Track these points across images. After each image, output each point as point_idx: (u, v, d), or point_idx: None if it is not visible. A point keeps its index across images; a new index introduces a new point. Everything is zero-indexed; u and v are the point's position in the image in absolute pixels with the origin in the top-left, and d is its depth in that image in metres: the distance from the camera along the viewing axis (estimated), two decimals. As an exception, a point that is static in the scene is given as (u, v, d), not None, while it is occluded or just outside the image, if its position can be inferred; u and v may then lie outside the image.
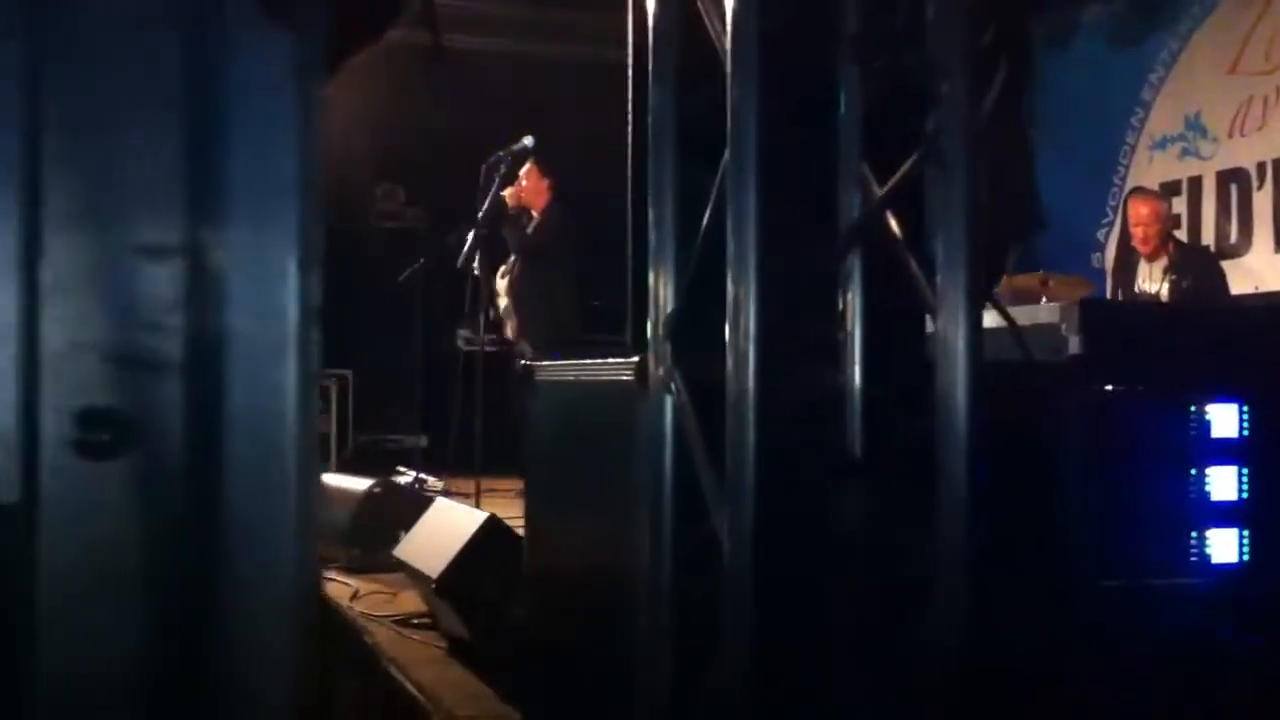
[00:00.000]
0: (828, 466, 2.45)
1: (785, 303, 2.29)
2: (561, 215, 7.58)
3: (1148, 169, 8.18)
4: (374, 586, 4.91)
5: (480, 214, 7.00)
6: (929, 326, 2.45)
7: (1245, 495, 3.00)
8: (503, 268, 7.56)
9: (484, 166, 7.03)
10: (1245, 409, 3.01)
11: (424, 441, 7.81)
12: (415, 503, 5.41)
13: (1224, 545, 2.99)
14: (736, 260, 2.28)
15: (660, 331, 2.61)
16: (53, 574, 1.05)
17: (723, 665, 2.31)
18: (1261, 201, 7.38)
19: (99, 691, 1.06)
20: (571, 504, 3.18)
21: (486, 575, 3.90)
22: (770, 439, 2.24)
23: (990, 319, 2.49)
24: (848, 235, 2.52)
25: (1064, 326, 3.06)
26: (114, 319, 1.05)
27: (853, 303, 2.57)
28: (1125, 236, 7.38)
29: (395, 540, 4.68)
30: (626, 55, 3.03)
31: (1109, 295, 7.47)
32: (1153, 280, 6.64)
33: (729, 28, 2.32)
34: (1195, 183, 7.85)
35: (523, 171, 7.39)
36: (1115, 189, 8.40)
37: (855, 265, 2.54)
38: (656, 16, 2.64)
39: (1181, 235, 7.42)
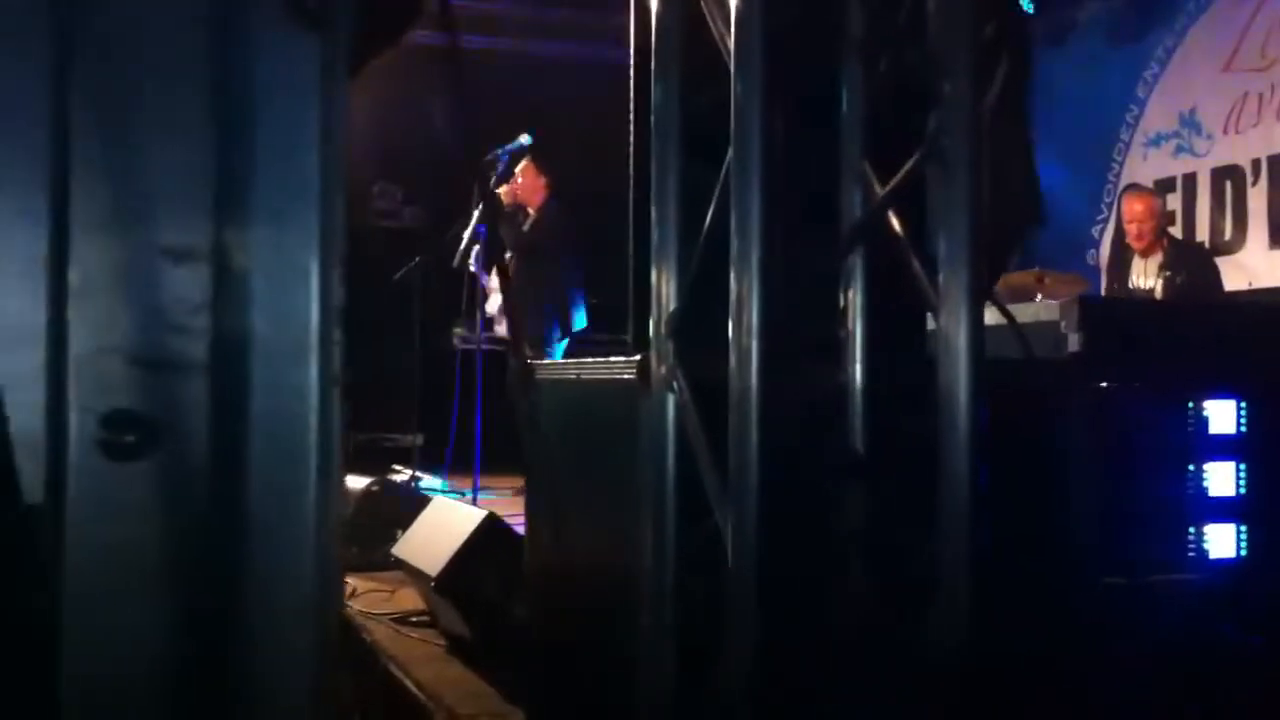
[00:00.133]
0: (830, 465, 2.46)
1: (788, 301, 2.30)
2: (558, 213, 7.58)
3: (1142, 166, 8.19)
4: (372, 584, 4.91)
5: (477, 212, 7.00)
6: (930, 325, 2.46)
7: (1243, 491, 3.02)
8: (497, 265, 7.55)
9: (480, 164, 7.03)
10: (1243, 405, 3.03)
11: (420, 440, 7.81)
12: (412, 501, 5.42)
13: (1222, 540, 3.01)
14: (739, 258, 2.28)
15: (663, 330, 2.61)
16: (78, 572, 1.05)
17: (725, 664, 2.31)
18: (1256, 198, 7.39)
19: (124, 688, 1.06)
20: (573, 503, 3.18)
21: (486, 573, 3.91)
22: (773, 437, 2.25)
23: (990, 317, 2.50)
24: (850, 234, 2.52)
25: (1063, 324, 3.07)
26: (140, 322, 1.06)
27: (854, 301, 2.57)
28: (1120, 233, 7.39)
29: (393, 538, 4.69)
30: (627, 54, 3.03)
31: (1103, 292, 7.49)
32: (1147, 277, 6.65)
33: (733, 26, 2.32)
34: (1190, 179, 7.87)
35: (519, 169, 7.39)
36: (1110, 186, 8.42)
37: (857, 264, 2.55)
38: (659, 15, 2.64)
39: (1176, 232, 7.43)
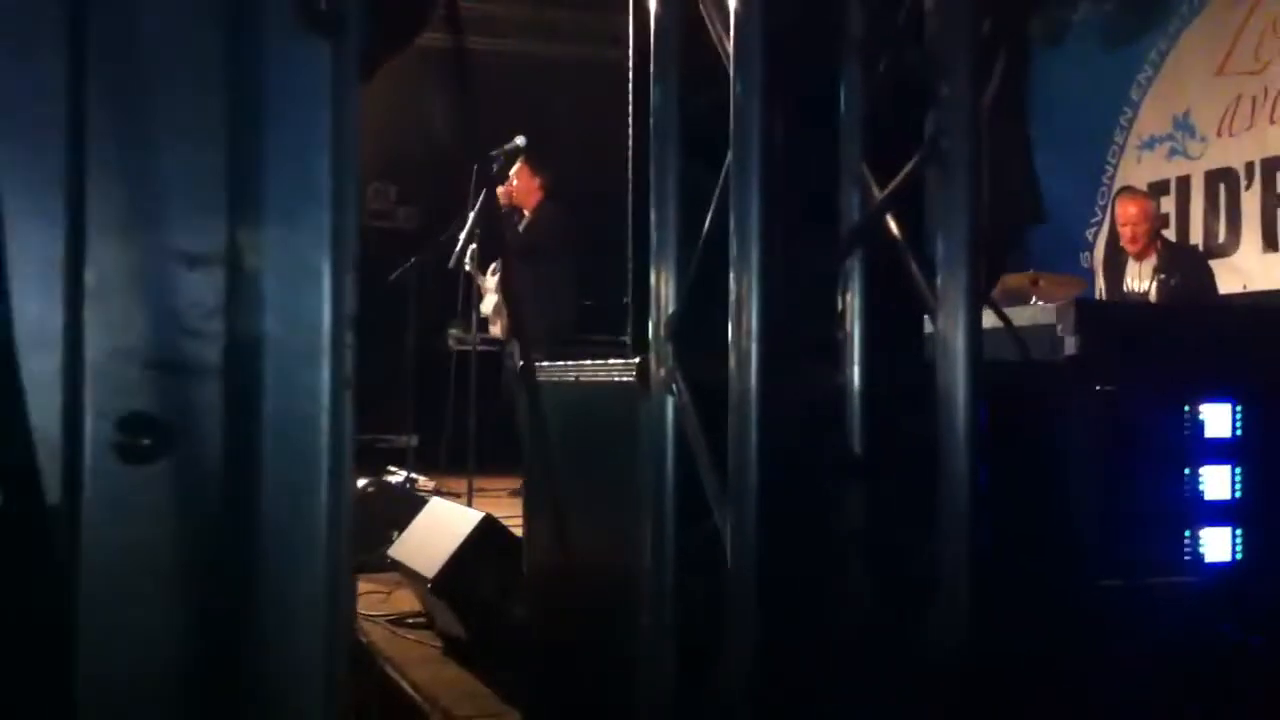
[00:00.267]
0: (829, 466, 2.47)
1: (788, 302, 2.31)
2: (553, 214, 7.59)
3: (1136, 168, 8.21)
4: (368, 586, 4.91)
5: (471, 213, 7.00)
6: (928, 326, 2.47)
7: (1239, 494, 3.03)
8: (492, 265, 7.56)
9: (475, 166, 7.03)
10: (1239, 409, 3.03)
11: (415, 441, 7.81)
12: (408, 502, 5.41)
13: (1218, 544, 3.02)
14: (739, 260, 2.28)
15: (662, 332, 2.62)
16: (94, 574, 1.06)
17: (725, 664, 2.32)
18: (1250, 201, 7.41)
19: (139, 687, 1.07)
20: (573, 504, 3.18)
21: (483, 575, 3.91)
22: (773, 438, 2.25)
23: (986, 319, 2.51)
24: (849, 237, 2.53)
25: (1060, 327, 3.08)
26: (155, 325, 1.06)
27: (852, 303, 2.58)
28: (1114, 236, 7.41)
29: (388, 540, 4.68)
30: (626, 55, 3.03)
31: (1097, 295, 7.50)
32: (1141, 279, 6.66)
33: (732, 28, 2.32)
34: (1184, 182, 7.88)
35: (513, 170, 7.40)
36: (1104, 188, 8.44)
37: (855, 266, 2.56)
38: (658, 16, 2.65)
39: (1170, 235, 7.45)
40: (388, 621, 4.43)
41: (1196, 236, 7.75)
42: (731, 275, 2.30)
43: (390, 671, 3.90)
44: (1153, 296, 6.41)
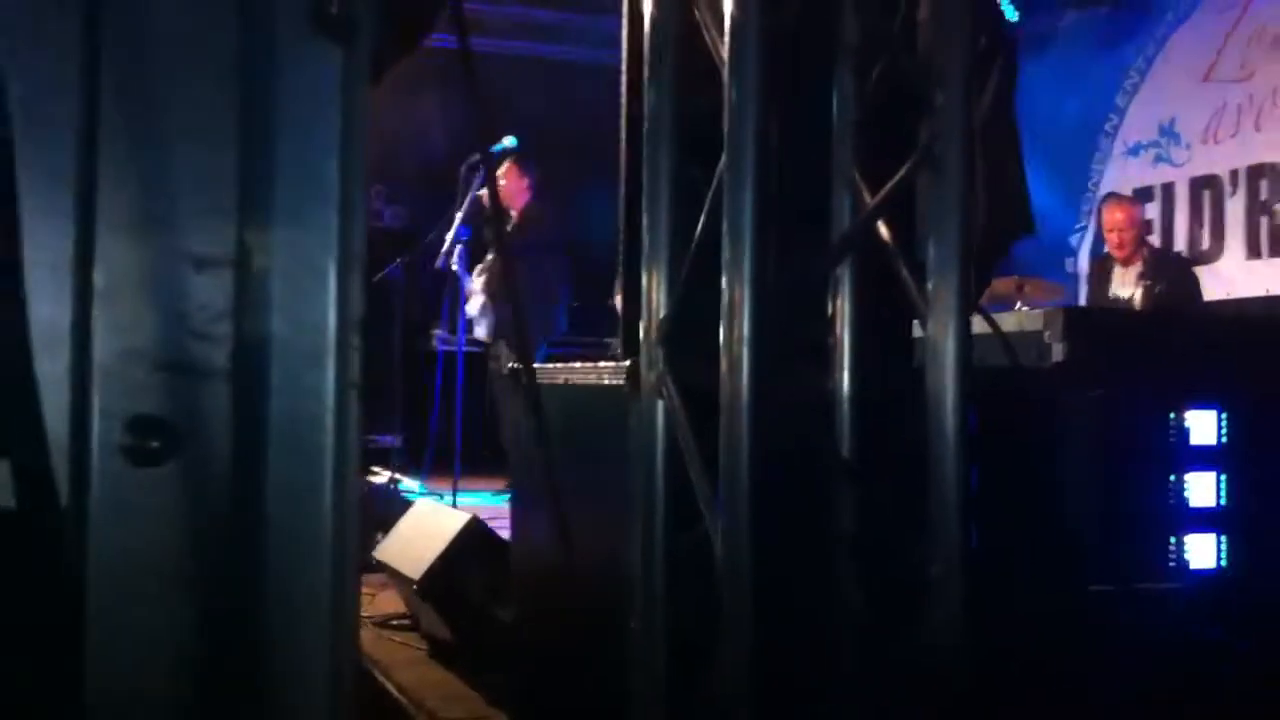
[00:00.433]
0: (821, 469, 2.47)
1: (780, 307, 2.31)
2: (540, 215, 7.58)
3: (1121, 175, 8.24)
4: (353, 587, 4.90)
5: (459, 213, 7.00)
6: (918, 331, 2.47)
7: (1223, 501, 3.05)
8: (479, 266, 7.54)
9: (463, 166, 7.03)
10: (1224, 416, 3.05)
11: (400, 442, 7.80)
12: (392, 503, 5.40)
13: (1202, 550, 3.03)
14: (731, 264, 2.28)
15: (653, 336, 2.62)
16: (101, 576, 1.05)
17: (719, 668, 2.32)
18: (1234, 208, 7.45)
19: (147, 688, 1.07)
20: (563, 507, 3.18)
21: (469, 577, 3.90)
22: (764, 442, 2.25)
23: (975, 325, 2.52)
24: (840, 244, 2.54)
25: (1048, 334, 3.10)
26: (164, 327, 1.06)
27: (843, 308, 2.59)
28: (1099, 242, 7.44)
29: (373, 541, 4.67)
30: (619, 57, 3.03)
31: (1082, 301, 7.53)
32: (1126, 285, 6.68)
33: (727, 33, 2.32)
34: (1168, 189, 7.92)
35: (501, 171, 7.39)
36: (1089, 194, 8.47)
37: (846, 270, 2.57)
38: (653, 20, 2.65)
39: (1154, 241, 7.48)
40: (373, 623, 4.42)
41: (1181, 243, 7.79)
42: (724, 279, 2.29)
43: (375, 674, 3.89)
44: (1138, 303, 6.42)
